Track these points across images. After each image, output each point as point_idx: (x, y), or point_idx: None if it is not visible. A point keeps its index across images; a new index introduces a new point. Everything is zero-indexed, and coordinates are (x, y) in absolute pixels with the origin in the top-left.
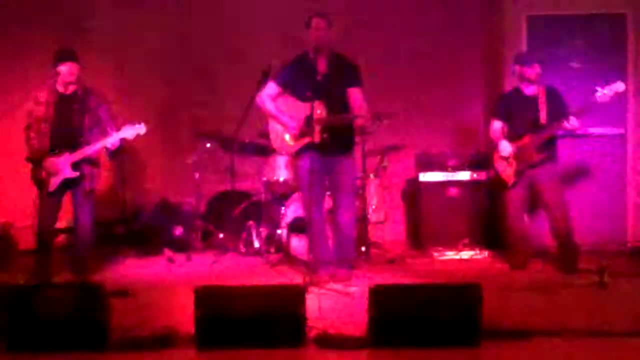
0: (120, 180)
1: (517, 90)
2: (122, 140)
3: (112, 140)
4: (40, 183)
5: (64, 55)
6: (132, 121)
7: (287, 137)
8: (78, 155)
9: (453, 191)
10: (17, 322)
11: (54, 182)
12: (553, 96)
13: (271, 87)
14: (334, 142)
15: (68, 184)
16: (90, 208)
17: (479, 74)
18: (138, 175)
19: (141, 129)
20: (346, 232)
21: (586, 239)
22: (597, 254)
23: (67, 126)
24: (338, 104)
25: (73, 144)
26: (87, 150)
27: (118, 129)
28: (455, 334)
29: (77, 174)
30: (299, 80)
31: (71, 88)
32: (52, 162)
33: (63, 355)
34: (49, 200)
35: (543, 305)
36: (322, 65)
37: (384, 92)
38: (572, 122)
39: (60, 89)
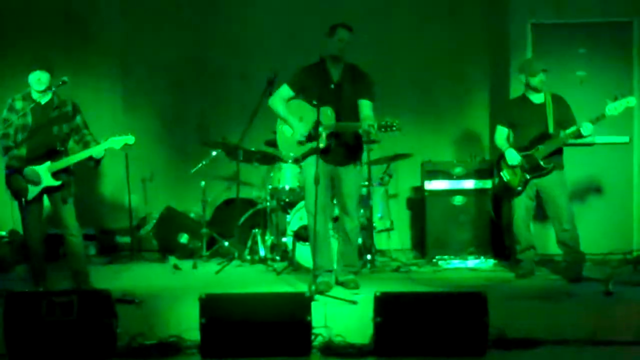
0: (126, 188)
1: (524, 98)
2: (107, 150)
3: (99, 149)
4: (18, 192)
5: (36, 63)
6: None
7: (294, 140)
8: (61, 163)
9: (458, 199)
10: (22, 329)
11: (33, 191)
12: (560, 104)
13: (285, 90)
14: (340, 149)
15: (46, 192)
16: (74, 214)
17: (484, 82)
18: (144, 184)
19: (129, 138)
20: (351, 240)
21: (592, 248)
22: (602, 263)
23: (45, 135)
24: (348, 113)
25: (52, 153)
26: (72, 160)
27: (93, 137)
28: (461, 343)
29: (60, 182)
30: (312, 86)
31: (47, 96)
32: (33, 170)
33: None
34: (31, 209)
35: (549, 314)
36: (336, 74)
37: (388, 100)
38: (586, 130)
39: (35, 97)
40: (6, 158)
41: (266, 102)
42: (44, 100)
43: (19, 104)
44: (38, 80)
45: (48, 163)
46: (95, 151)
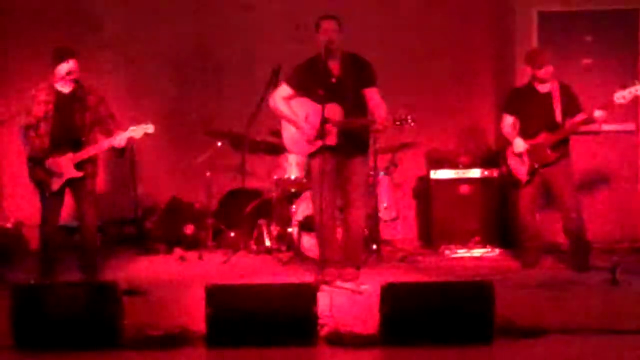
0: (132, 179)
1: (531, 87)
2: (130, 139)
3: (120, 139)
4: (41, 183)
5: (65, 53)
6: (139, 120)
7: (302, 140)
8: (83, 154)
9: (464, 189)
10: (29, 321)
11: (57, 182)
12: (567, 93)
13: (284, 89)
14: (349, 144)
15: (69, 183)
16: (94, 207)
17: (489, 71)
18: (149, 174)
19: (149, 128)
20: (355, 232)
21: (598, 237)
22: (609, 252)
23: (68, 125)
24: (354, 106)
25: (75, 143)
26: (93, 150)
27: (118, 126)
28: (467, 332)
29: (82, 173)
30: (312, 83)
31: (70, 86)
32: (55, 162)
33: (76, 354)
34: (52, 200)
35: (555, 303)
36: (335, 68)
37: (394, 90)
38: (599, 115)
39: (58, 87)
40: (30, 150)
41: (271, 92)
42: (66, 90)
43: (42, 94)
44: (73, 68)
45: (71, 154)
46: (116, 141)
